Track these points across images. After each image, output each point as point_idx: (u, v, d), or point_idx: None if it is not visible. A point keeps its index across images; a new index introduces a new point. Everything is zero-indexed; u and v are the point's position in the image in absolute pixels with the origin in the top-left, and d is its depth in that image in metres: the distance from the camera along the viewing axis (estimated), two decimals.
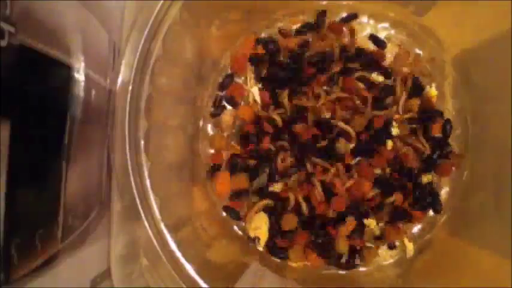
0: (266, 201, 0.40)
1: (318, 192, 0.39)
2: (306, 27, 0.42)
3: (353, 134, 0.39)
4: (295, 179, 0.40)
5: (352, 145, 0.39)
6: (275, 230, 0.40)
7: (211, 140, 0.42)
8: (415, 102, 0.41)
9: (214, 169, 0.41)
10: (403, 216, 0.40)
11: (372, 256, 0.40)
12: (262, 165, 0.40)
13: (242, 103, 0.42)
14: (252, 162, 0.41)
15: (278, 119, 0.40)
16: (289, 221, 0.39)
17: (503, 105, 0.36)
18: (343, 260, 0.40)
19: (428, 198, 0.41)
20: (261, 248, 0.40)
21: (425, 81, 0.42)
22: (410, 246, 0.40)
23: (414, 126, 0.41)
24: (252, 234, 0.40)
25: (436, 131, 0.41)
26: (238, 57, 0.42)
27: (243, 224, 0.41)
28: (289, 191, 0.40)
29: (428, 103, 0.41)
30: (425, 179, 0.41)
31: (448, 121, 0.41)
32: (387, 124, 0.40)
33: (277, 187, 0.40)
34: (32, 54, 0.25)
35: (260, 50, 0.42)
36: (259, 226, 0.39)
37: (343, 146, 0.39)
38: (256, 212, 0.40)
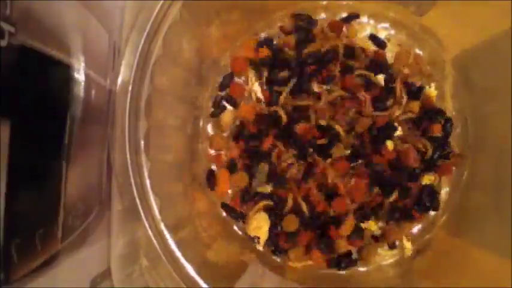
0: (266, 202, 0.40)
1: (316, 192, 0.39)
2: (307, 23, 0.42)
3: (343, 136, 0.39)
4: (294, 178, 0.40)
5: (347, 151, 0.39)
6: (277, 231, 0.40)
7: (211, 140, 0.42)
8: (416, 103, 0.41)
9: (210, 175, 0.41)
10: (403, 216, 0.40)
11: (372, 255, 0.40)
12: (262, 165, 0.40)
13: (243, 103, 0.42)
14: (250, 161, 0.40)
15: (283, 114, 0.40)
16: (291, 222, 0.39)
17: (503, 105, 0.36)
18: (343, 259, 0.40)
19: (427, 199, 0.40)
20: (261, 248, 0.40)
21: (425, 82, 0.42)
22: (408, 245, 0.40)
23: (415, 126, 0.41)
24: (252, 233, 0.40)
25: (436, 131, 0.41)
26: (238, 58, 0.42)
27: (243, 223, 0.41)
28: (288, 191, 0.40)
29: (428, 103, 0.41)
30: (427, 179, 0.41)
31: (448, 120, 0.41)
32: (389, 125, 0.40)
33: (268, 188, 0.40)
34: (32, 54, 0.25)
35: (262, 52, 0.41)
36: (260, 226, 0.39)
37: (339, 150, 0.39)
38: (257, 212, 0.40)
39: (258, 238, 0.40)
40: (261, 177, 0.40)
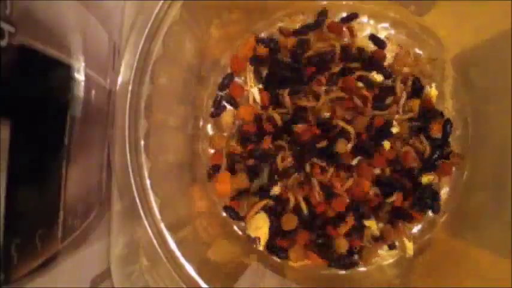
0: (266, 201, 0.40)
1: (318, 192, 0.39)
2: (306, 27, 0.42)
3: (353, 132, 0.39)
4: (295, 179, 0.40)
5: (350, 145, 0.39)
6: (275, 230, 0.40)
7: (211, 140, 0.42)
8: (416, 103, 0.41)
9: (215, 170, 0.41)
10: (403, 217, 0.40)
11: (372, 256, 0.40)
12: (262, 165, 0.40)
13: (241, 106, 0.42)
14: (251, 162, 0.40)
15: (278, 117, 0.40)
16: (289, 221, 0.39)
17: (503, 105, 0.36)
18: (343, 259, 0.40)
19: (428, 199, 0.40)
20: (261, 248, 0.40)
21: (425, 82, 0.42)
22: (410, 246, 0.40)
23: (414, 126, 0.41)
24: (252, 234, 0.40)
25: (436, 131, 0.41)
26: (238, 57, 0.42)
27: (243, 224, 0.41)
28: (289, 191, 0.40)
29: (428, 103, 0.41)
30: (426, 179, 0.41)
31: (448, 121, 0.41)
32: (387, 124, 0.40)
33: (276, 189, 0.40)
34: (32, 54, 0.25)
35: (260, 50, 0.41)
36: (260, 226, 0.39)
37: (342, 146, 0.39)
38: (257, 212, 0.40)
39: (259, 239, 0.40)
40: (262, 177, 0.40)
